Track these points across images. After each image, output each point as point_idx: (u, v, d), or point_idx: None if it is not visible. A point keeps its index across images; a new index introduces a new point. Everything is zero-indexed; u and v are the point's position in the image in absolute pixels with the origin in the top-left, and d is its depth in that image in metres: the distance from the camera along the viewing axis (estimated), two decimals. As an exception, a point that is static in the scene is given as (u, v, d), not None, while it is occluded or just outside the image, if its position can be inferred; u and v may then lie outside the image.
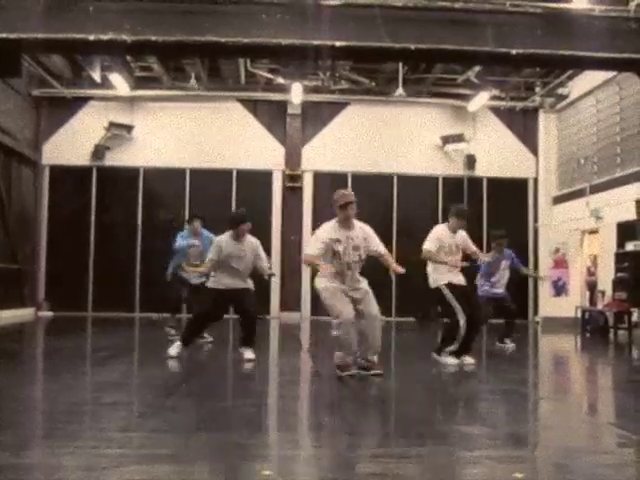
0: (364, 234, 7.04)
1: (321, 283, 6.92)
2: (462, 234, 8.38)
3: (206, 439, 4.39)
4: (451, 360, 8.09)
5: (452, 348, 8.11)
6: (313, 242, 6.97)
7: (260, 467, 3.83)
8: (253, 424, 5.05)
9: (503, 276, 10.31)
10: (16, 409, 5.32)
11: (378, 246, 7.10)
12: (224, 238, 8.28)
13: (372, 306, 6.98)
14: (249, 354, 8.20)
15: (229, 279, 8.23)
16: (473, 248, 8.53)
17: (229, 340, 11.24)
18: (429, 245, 8.07)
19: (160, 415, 5.22)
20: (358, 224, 7.09)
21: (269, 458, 4.20)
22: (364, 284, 7.06)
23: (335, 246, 6.79)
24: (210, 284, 8.42)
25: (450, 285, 8.03)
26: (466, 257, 8.53)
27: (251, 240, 8.35)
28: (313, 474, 3.89)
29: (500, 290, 10.25)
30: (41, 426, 5.00)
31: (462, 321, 7.94)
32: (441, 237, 8.14)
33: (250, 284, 8.45)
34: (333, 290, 6.83)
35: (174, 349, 8.31)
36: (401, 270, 6.97)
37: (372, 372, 6.93)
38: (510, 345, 10.25)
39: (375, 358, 7.04)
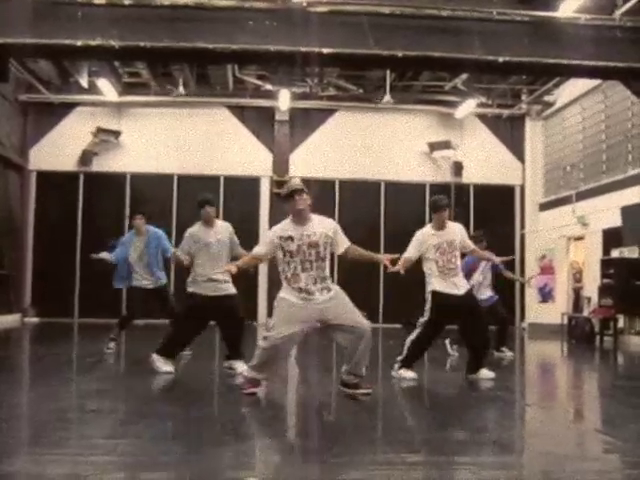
0: (326, 229, 6.03)
1: (281, 292, 6.09)
2: (454, 229, 7.47)
3: (191, 446, 4.37)
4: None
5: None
6: (262, 240, 6.26)
7: (245, 474, 3.82)
8: (238, 431, 5.03)
9: (486, 277, 9.84)
10: (0, 416, 5.28)
11: (342, 245, 6.11)
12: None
13: (352, 319, 6.02)
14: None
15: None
16: (471, 246, 7.72)
17: (214, 347, 11.19)
18: (406, 252, 7.25)
19: (145, 422, 5.19)
20: (318, 218, 6.11)
21: (254, 465, 4.19)
22: (331, 293, 6.00)
23: (286, 245, 5.91)
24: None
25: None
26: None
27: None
28: (299, 481, 3.89)
29: (484, 295, 9.64)
30: (25, 433, 4.96)
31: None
32: (422, 240, 7.31)
33: None
34: (287, 305, 5.97)
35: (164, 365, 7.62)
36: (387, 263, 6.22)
37: (360, 391, 6.22)
38: (509, 353, 9.99)
39: (363, 371, 6.28)
